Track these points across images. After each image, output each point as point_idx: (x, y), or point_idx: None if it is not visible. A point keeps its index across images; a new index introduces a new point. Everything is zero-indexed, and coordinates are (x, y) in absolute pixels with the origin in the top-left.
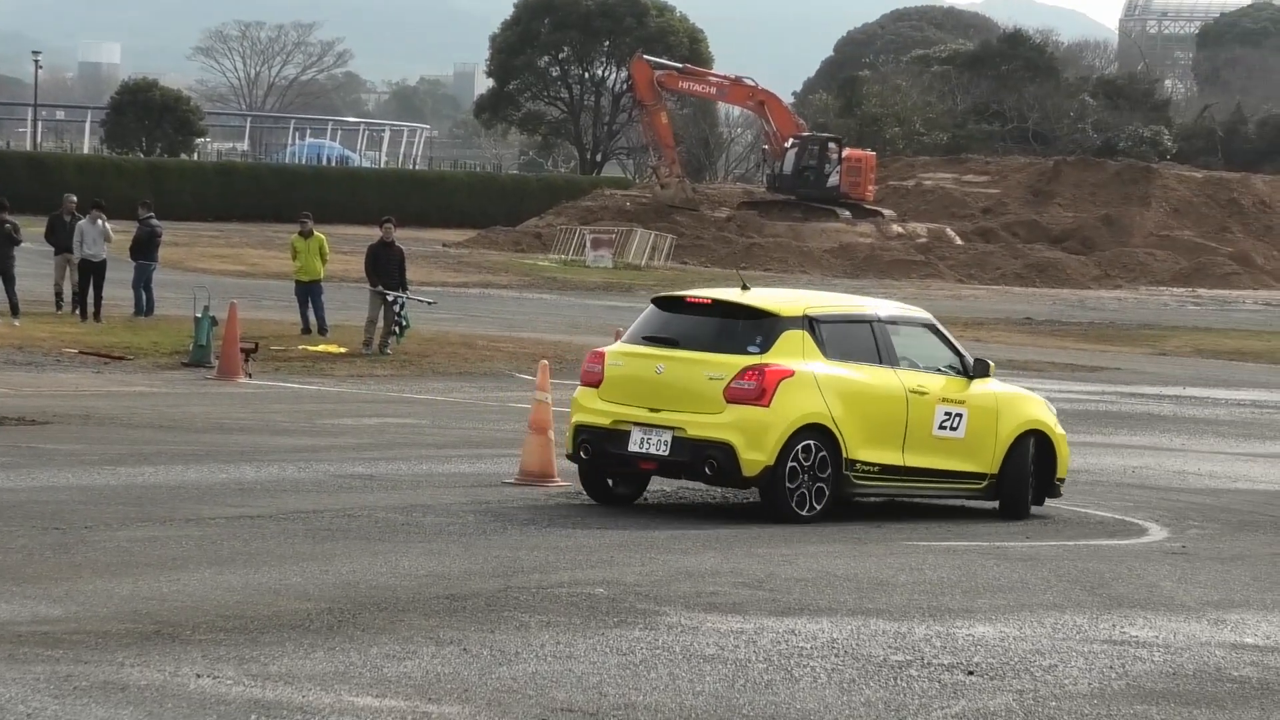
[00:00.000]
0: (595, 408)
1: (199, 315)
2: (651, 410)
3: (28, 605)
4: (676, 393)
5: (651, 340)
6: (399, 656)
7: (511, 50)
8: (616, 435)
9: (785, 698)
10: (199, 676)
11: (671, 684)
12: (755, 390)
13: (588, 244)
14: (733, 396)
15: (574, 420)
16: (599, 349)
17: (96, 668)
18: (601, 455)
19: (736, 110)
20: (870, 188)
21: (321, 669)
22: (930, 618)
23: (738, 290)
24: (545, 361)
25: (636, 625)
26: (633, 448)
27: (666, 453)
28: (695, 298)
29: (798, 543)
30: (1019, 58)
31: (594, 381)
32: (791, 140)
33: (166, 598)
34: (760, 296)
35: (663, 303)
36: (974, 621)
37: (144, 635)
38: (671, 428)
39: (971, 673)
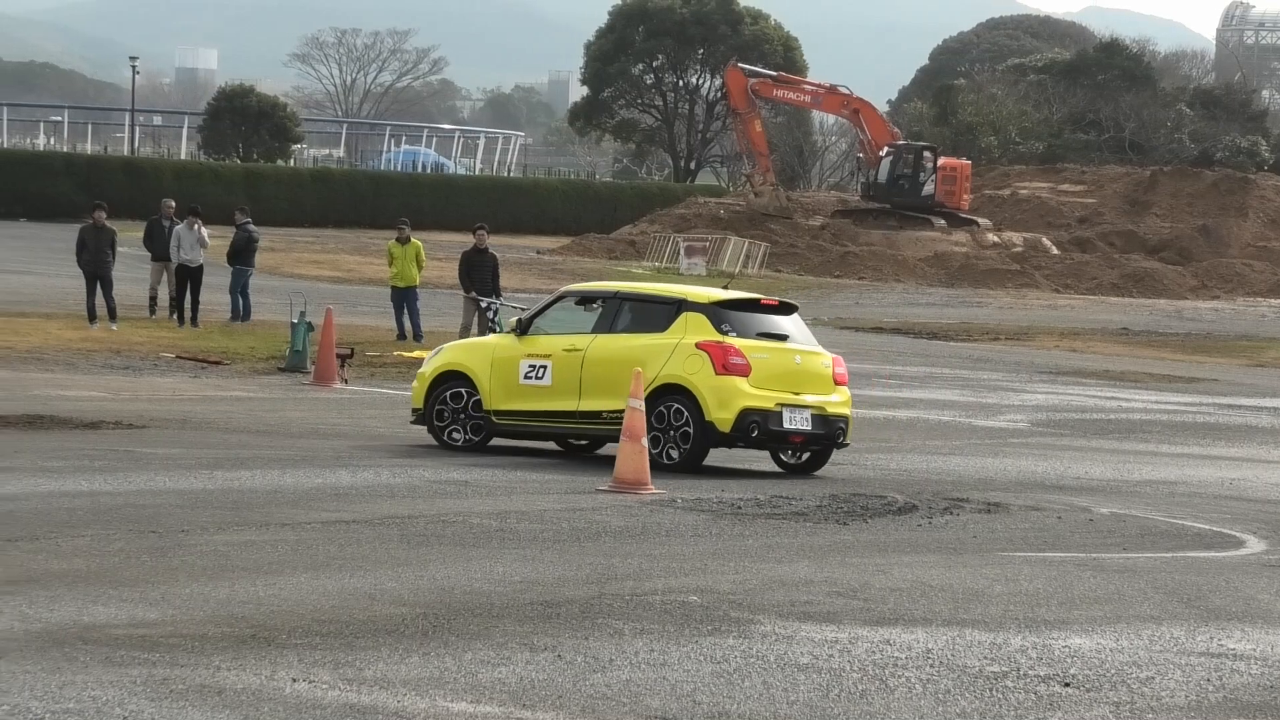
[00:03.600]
0: (753, 392)
1: (295, 320)
2: (794, 394)
3: (125, 608)
4: (809, 379)
5: (766, 336)
6: (493, 662)
7: (606, 58)
8: (775, 415)
9: (880, 708)
10: (295, 681)
11: (765, 693)
12: (844, 375)
13: (681, 251)
14: (838, 380)
15: (740, 405)
16: (723, 343)
17: (193, 671)
18: (764, 432)
19: (831, 118)
20: (965, 196)
21: (417, 674)
22: (1026, 629)
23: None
24: (639, 369)
25: (730, 633)
26: (787, 425)
27: (810, 428)
28: (768, 300)
29: (892, 552)
30: (1115, 67)
31: (744, 371)
32: (886, 149)
33: (263, 602)
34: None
35: (731, 304)
36: (1070, 633)
37: (240, 639)
38: (809, 407)
39: (1068, 684)
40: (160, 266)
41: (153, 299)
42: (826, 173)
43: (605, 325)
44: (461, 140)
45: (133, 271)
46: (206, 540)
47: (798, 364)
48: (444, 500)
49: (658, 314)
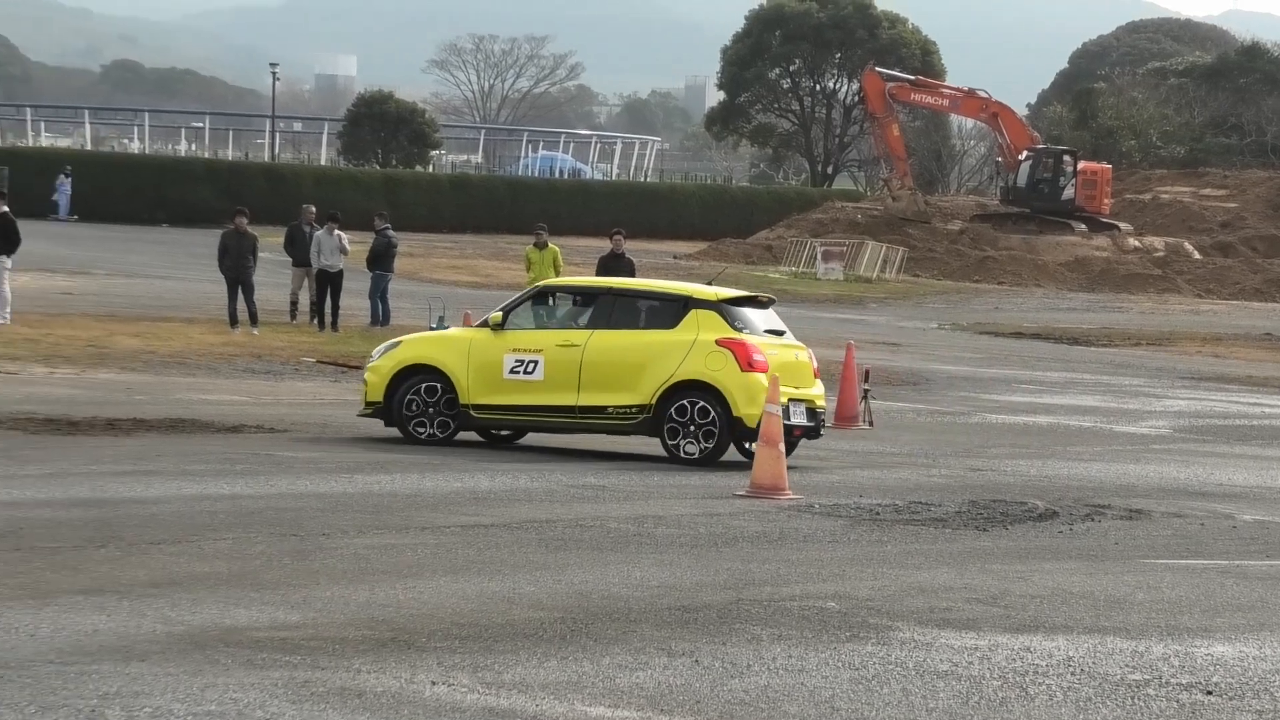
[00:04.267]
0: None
1: (434, 325)
2: (795, 388)
3: (266, 611)
4: (802, 373)
5: (770, 333)
6: (631, 667)
7: (742, 63)
8: (785, 409)
9: (1020, 715)
10: (434, 684)
11: (904, 700)
12: (818, 368)
13: (818, 256)
14: (816, 374)
15: (765, 401)
16: (745, 341)
17: (333, 674)
18: None
19: (969, 122)
20: (1106, 201)
21: (555, 678)
22: (1168, 636)
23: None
24: (775, 374)
25: (869, 640)
26: (793, 419)
27: (805, 421)
28: (761, 297)
29: (1033, 559)
30: (1257, 70)
31: (765, 368)
32: (1026, 153)
33: (402, 605)
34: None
35: (732, 301)
36: (1213, 641)
37: (380, 642)
38: (804, 401)
39: (1210, 692)
40: (301, 272)
41: (293, 304)
42: (965, 177)
43: (602, 321)
44: (598, 146)
45: (273, 277)
46: (347, 543)
47: (796, 359)
48: (581, 505)
49: (662, 311)
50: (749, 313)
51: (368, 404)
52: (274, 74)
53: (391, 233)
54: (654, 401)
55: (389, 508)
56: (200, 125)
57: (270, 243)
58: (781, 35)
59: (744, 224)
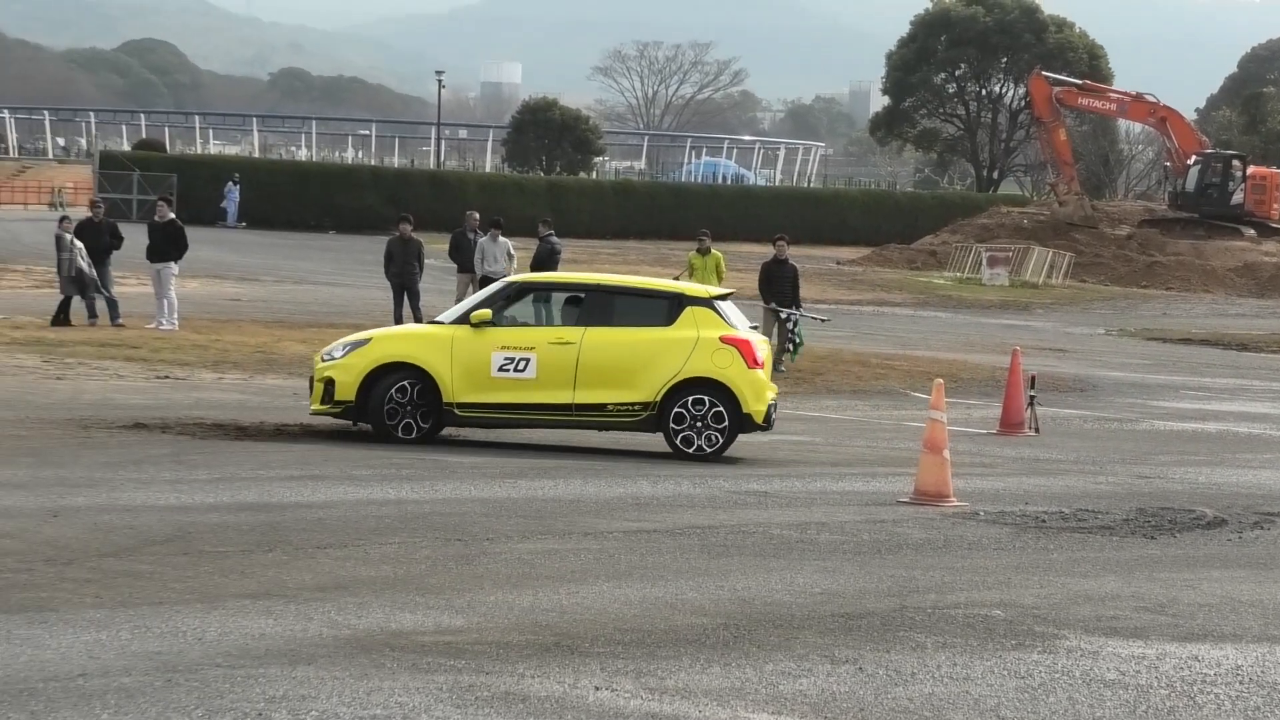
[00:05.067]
0: (770, 384)
1: None
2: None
3: (431, 615)
4: (767, 366)
5: (754, 329)
6: (794, 674)
7: (907, 68)
8: (774, 403)
9: None
10: (598, 689)
11: (1070, 709)
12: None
13: (984, 261)
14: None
15: (769, 397)
16: (749, 339)
17: (497, 678)
18: (770, 421)
19: (1137, 127)
20: (1275, 206)
21: (718, 684)
22: None
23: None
24: (940, 380)
25: (1035, 648)
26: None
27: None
28: (729, 292)
29: (1200, 567)
30: None
31: (762, 365)
32: (1194, 157)
33: (565, 610)
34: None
35: (719, 298)
36: None
37: (544, 647)
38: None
39: None
40: (466, 278)
41: None
42: (1132, 181)
43: (593, 318)
44: (761, 151)
45: (438, 283)
46: (510, 549)
47: (767, 354)
48: (744, 511)
49: (655, 308)
50: (732, 310)
51: (336, 402)
52: (440, 81)
53: (555, 239)
54: (659, 399)
55: (552, 513)
56: (366, 133)
57: (435, 249)
58: (947, 40)
59: (908, 229)
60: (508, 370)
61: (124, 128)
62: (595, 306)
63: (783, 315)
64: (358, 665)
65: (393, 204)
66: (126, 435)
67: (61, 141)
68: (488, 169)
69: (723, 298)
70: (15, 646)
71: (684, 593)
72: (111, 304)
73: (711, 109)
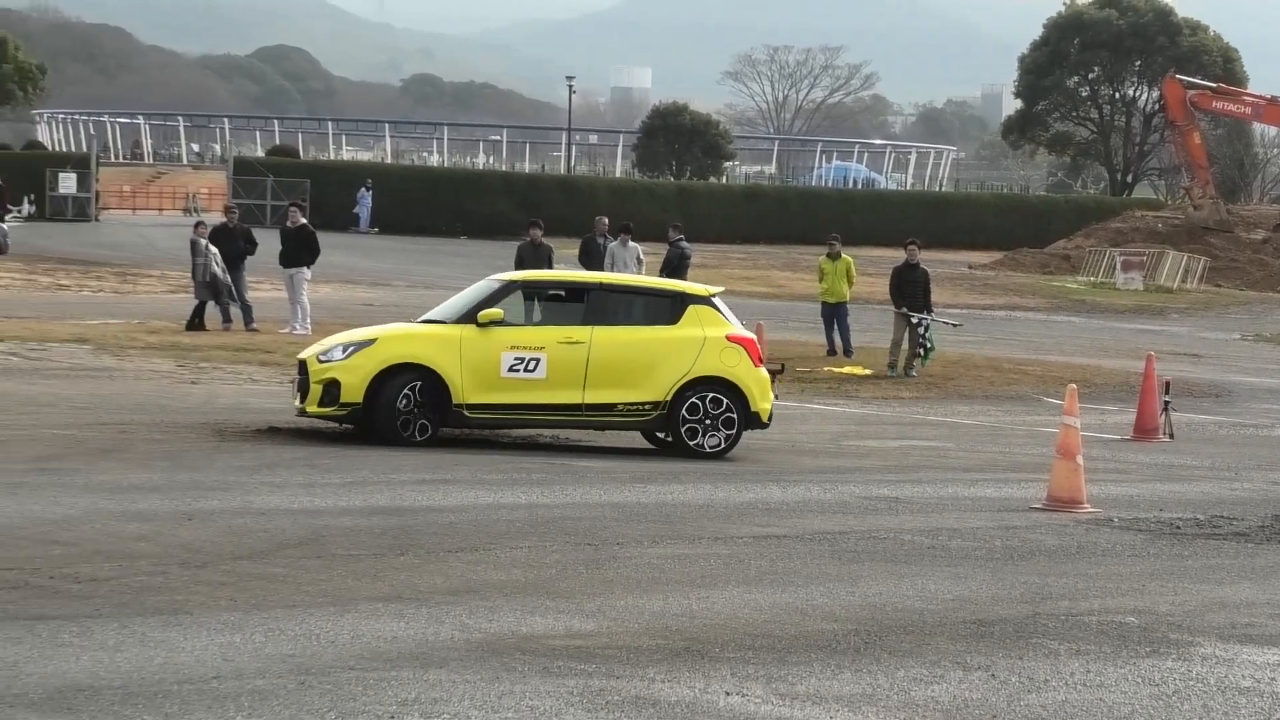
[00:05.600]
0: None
1: None
2: None
3: (561, 619)
4: None
5: (747, 324)
6: (926, 680)
7: (1040, 71)
8: None
9: None
10: (728, 694)
11: (1205, 716)
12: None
13: (1117, 266)
14: None
15: (772, 394)
16: (751, 338)
17: (628, 683)
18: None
19: (1272, 130)
20: None
21: (848, 690)
22: None
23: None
24: (1073, 385)
25: (1169, 656)
26: None
27: None
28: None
29: None
30: None
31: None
32: None
33: (695, 615)
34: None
35: (716, 295)
36: None
37: (674, 652)
38: None
39: None
40: None
41: None
42: (1268, 185)
43: (597, 317)
44: (893, 155)
45: None
46: (640, 553)
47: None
48: (874, 517)
49: (657, 306)
50: (725, 307)
51: (341, 404)
52: (570, 87)
53: (685, 244)
54: (669, 398)
55: (681, 518)
56: (497, 138)
57: (565, 254)
58: (1080, 43)
59: (1040, 233)
60: (518, 370)
61: (258, 133)
62: (598, 305)
63: (914, 320)
64: (489, 668)
65: (523, 209)
66: (260, 439)
67: (196, 147)
68: (618, 174)
69: (716, 295)
70: (150, 649)
71: (814, 598)
72: (245, 309)
73: (842, 113)
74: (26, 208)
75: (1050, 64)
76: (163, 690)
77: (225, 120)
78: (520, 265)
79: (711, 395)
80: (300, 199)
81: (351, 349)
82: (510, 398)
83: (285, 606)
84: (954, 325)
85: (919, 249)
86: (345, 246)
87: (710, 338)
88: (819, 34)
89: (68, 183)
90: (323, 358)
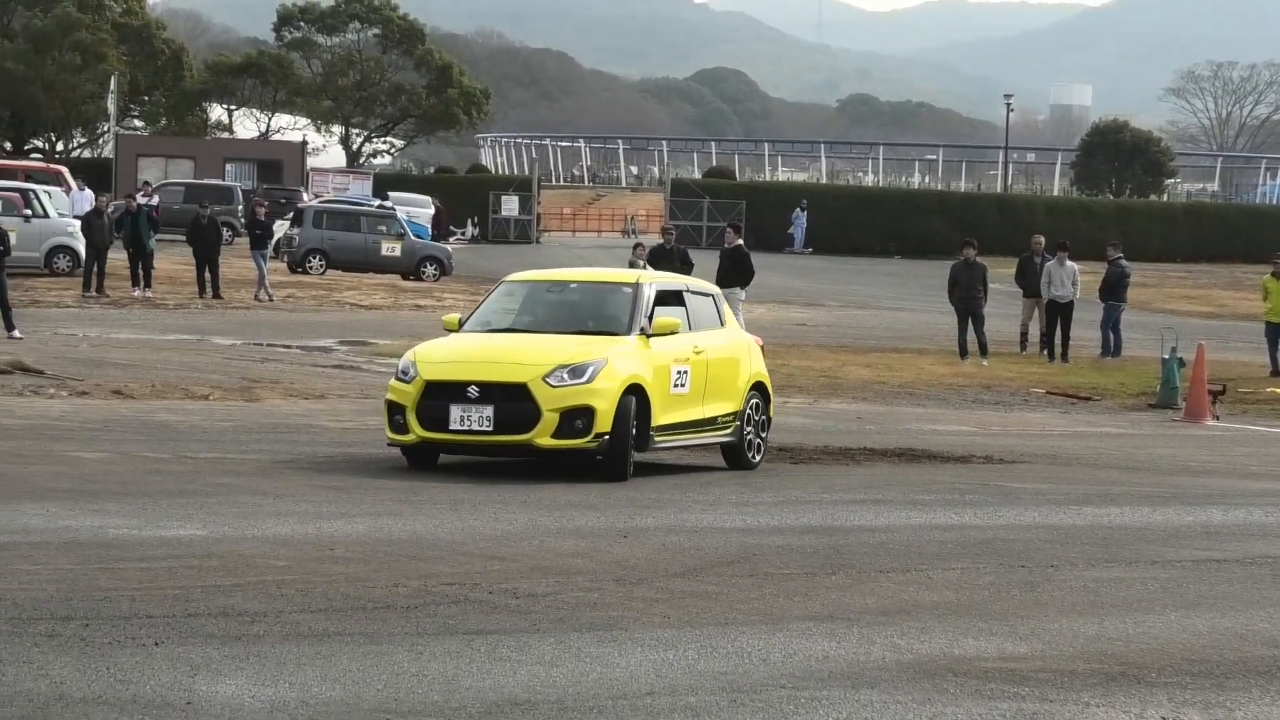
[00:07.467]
0: None
1: (1166, 356)
2: None
3: (994, 641)
4: None
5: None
6: None
7: None
8: None
9: None
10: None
11: None
12: None
13: None
14: None
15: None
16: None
17: (1061, 706)
18: None
19: None
20: None
21: None
22: None
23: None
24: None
25: None
26: None
27: None
28: None
29: None
30: None
31: None
32: None
33: (1132, 639)
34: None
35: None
36: None
37: (1109, 676)
38: None
39: None
40: (1031, 302)
41: (1023, 335)
42: None
43: (694, 321)
44: None
45: (1003, 307)
46: (1075, 576)
47: None
48: None
49: (707, 305)
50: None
51: (595, 436)
52: (1008, 105)
53: (1124, 262)
54: (744, 406)
55: (1118, 540)
56: (933, 157)
57: (1000, 274)
58: None
59: None
60: (680, 386)
61: (695, 155)
62: (694, 309)
63: None
64: (920, 690)
65: (958, 228)
66: (691, 457)
67: (634, 169)
68: (1055, 192)
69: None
70: (585, 664)
71: (1255, 623)
72: None
73: None
74: (470, 230)
75: None
76: (598, 705)
77: (664, 142)
78: (954, 285)
79: (754, 400)
80: (736, 220)
81: (590, 369)
82: (676, 416)
83: (718, 624)
84: None
85: None
86: (780, 267)
87: (749, 339)
88: (1266, 48)
89: (510, 205)
90: (552, 381)
